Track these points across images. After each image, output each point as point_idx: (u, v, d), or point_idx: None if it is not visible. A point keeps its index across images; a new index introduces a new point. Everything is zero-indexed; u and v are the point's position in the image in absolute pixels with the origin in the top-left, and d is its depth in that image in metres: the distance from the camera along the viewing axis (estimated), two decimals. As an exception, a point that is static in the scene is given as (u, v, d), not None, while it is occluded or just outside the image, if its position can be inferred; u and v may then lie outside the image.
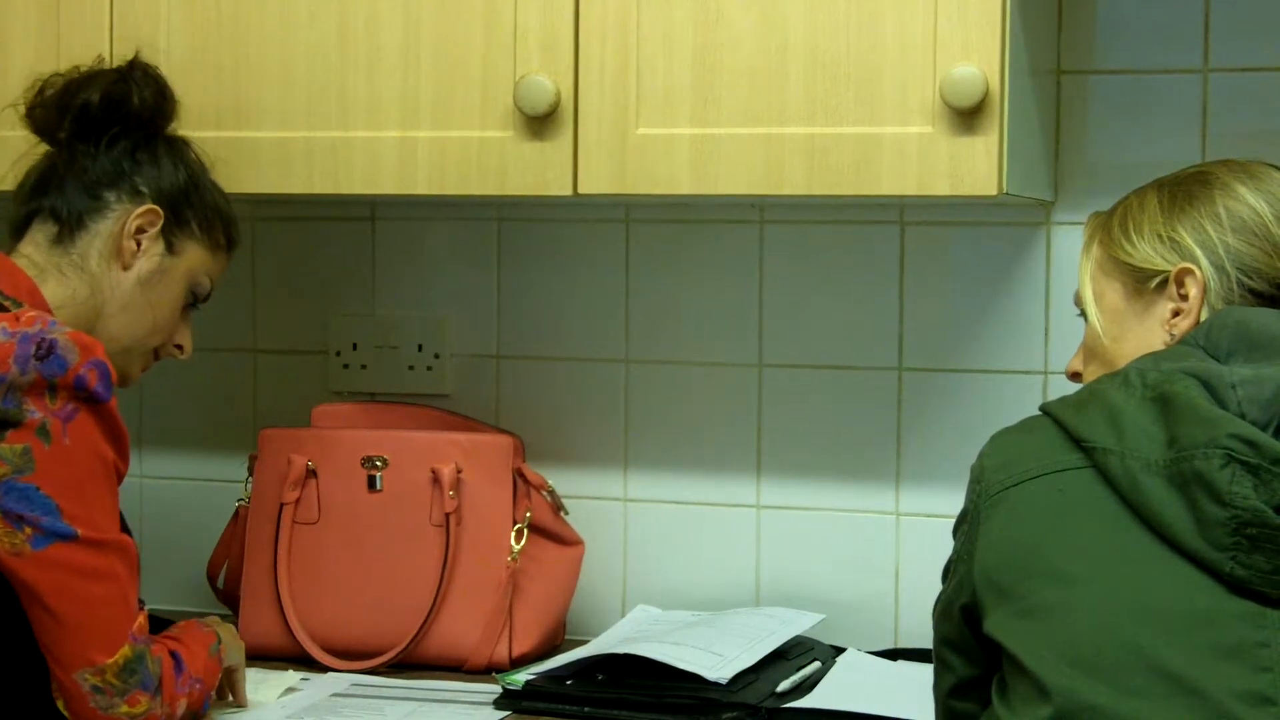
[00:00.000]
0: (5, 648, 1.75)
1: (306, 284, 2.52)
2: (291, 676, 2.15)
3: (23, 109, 2.01)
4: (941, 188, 1.91)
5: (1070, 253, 2.20)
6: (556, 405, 2.42)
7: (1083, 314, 1.76)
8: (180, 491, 2.58)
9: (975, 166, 1.90)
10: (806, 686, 2.06)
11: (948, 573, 1.64)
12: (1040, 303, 2.23)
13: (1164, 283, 1.67)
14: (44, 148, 2.01)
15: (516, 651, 2.22)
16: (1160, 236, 1.68)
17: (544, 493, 2.29)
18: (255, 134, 2.13)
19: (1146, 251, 1.68)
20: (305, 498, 2.28)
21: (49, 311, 1.87)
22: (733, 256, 2.35)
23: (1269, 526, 1.45)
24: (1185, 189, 1.70)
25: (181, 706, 1.82)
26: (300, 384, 2.51)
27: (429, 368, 2.47)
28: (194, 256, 2.00)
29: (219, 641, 1.93)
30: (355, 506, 2.27)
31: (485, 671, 2.20)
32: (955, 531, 1.64)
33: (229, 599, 2.35)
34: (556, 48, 2.03)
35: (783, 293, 2.33)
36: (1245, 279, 1.64)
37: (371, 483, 2.27)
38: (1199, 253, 1.65)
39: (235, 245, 2.07)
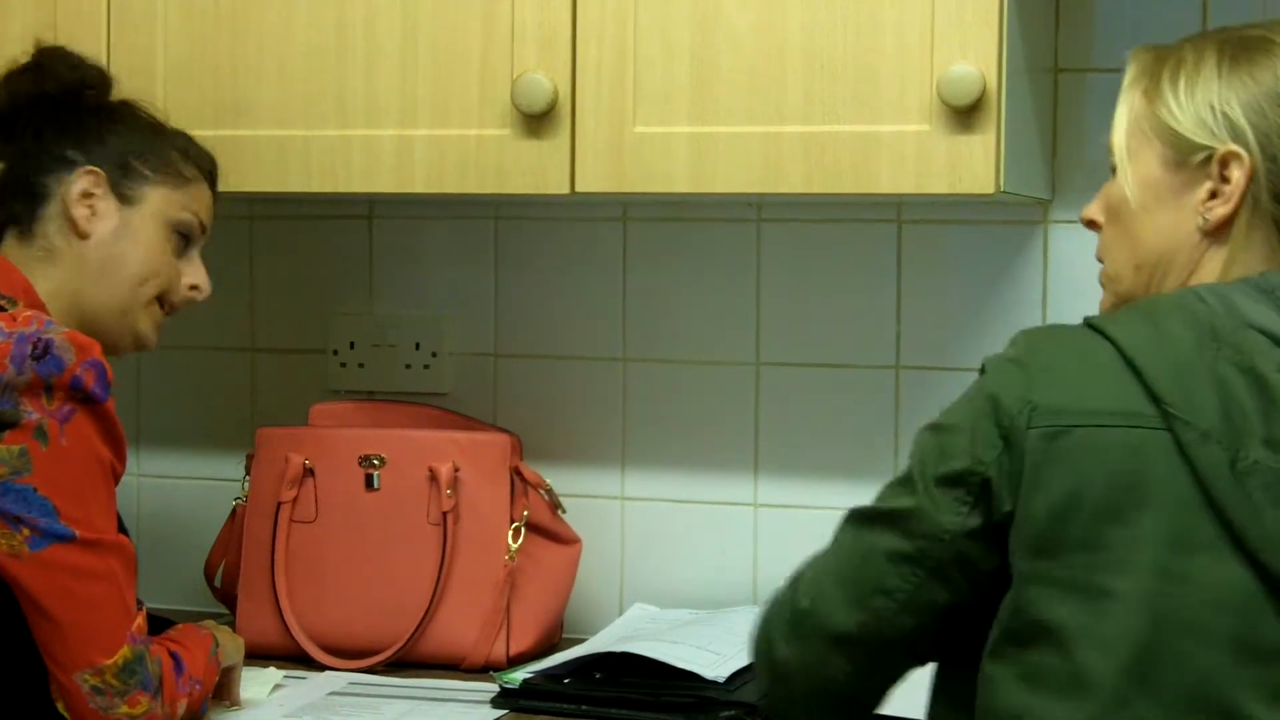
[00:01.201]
0: (4, 649, 1.75)
1: (304, 283, 2.52)
2: (275, 674, 2.15)
3: None
4: (939, 186, 1.91)
5: (1068, 252, 2.21)
6: (554, 404, 2.42)
7: (1113, 165, 1.58)
8: (178, 490, 2.58)
9: (973, 165, 1.90)
10: (804, 685, 2.06)
11: (953, 478, 1.45)
12: (1038, 301, 2.23)
13: (1208, 159, 1.50)
14: None
15: (514, 650, 2.22)
16: (1213, 107, 1.49)
17: (541, 491, 2.29)
18: (253, 132, 2.13)
19: (1194, 121, 1.50)
20: (303, 496, 2.28)
21: (43, 307, 1.87)
22: (730, 255, 2.35)
23: None
24: (1249, 55, 1.50)
25: (182, 707, 1.82)
26: (298, 383, 2.51)
27: (426, 366, 2.47)
28: (157, 199, 1.97)
29: (217, 645, 1.93)
30: (353, 505, 2.26)
31: (483, 670, 2.20)
32: (955, 429, 1.46)
33: (226, 598, 2.35)
34: (554, 46, 2.03)
35: (780, 291, 2.33)
36: None
37: (369, 481, 2.27)
38: (1251, 135, 1.48)
39: (209, 172, 2.03)
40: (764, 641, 1.56)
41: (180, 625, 1.93)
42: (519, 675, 2.08)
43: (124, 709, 1.74)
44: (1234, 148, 1.48)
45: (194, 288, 2.01)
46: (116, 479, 1.80)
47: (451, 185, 2.08)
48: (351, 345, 2.50)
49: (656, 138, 2.00)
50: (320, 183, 2.12)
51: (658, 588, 2.39)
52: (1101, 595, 1.38)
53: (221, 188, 2.06)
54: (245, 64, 2.14)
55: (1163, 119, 1.52)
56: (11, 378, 1.71)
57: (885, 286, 2.29)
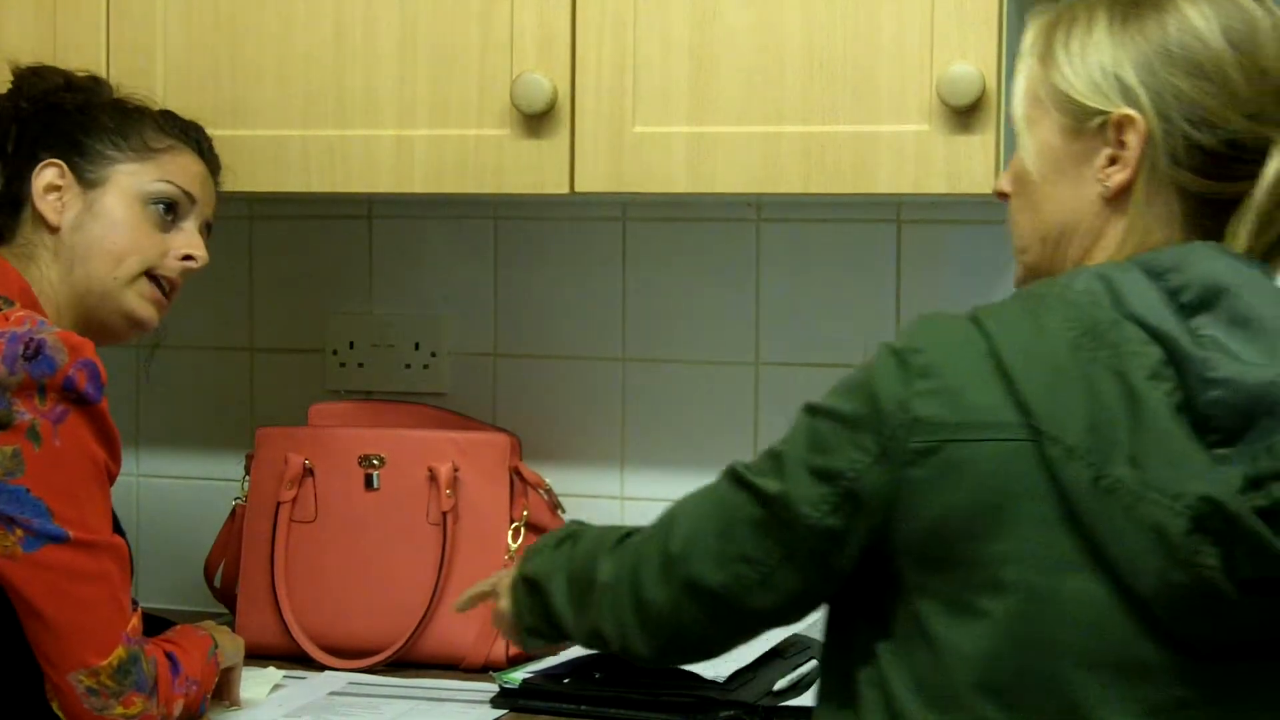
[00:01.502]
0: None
1: (303, 282, 2.52)
2: (274, 674, 2.15)
3: None
4: (938, 186, 1.91)
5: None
6: (553, 404, 2.42)
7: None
8: (177, 490, 2.58)
9: (972, 165, 1.90)
10: (803, 685, 2.06)
11: (827, 471, 1.40)
12: (1037, 301, 2.23)
13: (1104, 125, 1.43)
14: None
15: (513, 650, 2.22)
16: (1104, 69, 1.43)
17: (541, 491, 2.29)
18: (252, 132, 2.13)
19: (1088, 85, 1.44)
20: (302, 496, 2.27)
21: (39, 306, 1.87)
22: (730, 255, 2.35)
23: (1225, 600, 1.31)
24: (1138, 13, 1.43)
25: (178, 708, 1.82)
26: (297, 382, 2.51)
27: (426, 366, 2.47)
28: (124, 175, 1.95)
29: (215, 645, 1.93)
30: (352, 505, 2.26)
31: (482, 670, 2.20)
32: (834, 419, 1.41)
33: (226, 598, 2.35)
34: (553, 46, 2.03)
35: (780, 291, 2.33)
36: (1193, 131, 1.40)
37: (369, 481, 2.26)
38: (1144, 97, 1.41)
39: (193, 140, 2.01)
40: (632, 575, 1.53)
41: (178, 626, 1.93)
42: (518, 675, 2.08)
43: (119, 709, 1.74)
44: (1128, 111, 1.41)
45: (188, 258, 1.98)
46: (111, 479, 1.79)
47: (451, 185, 2.08)
48: (351, 345, 2.50)
49: (656, 137, 2.00)
50: (319, 182, 2.12)
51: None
52: (972, 613, 1.36)
53: (221, 188, 2.06)
54: (244, 64, 2.14)
55: (1057, 85, 1.46)
56: (4, 378, 1.71)
57: (885, 286, 2.29)
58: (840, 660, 1.47)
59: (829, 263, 2.31)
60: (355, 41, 2.10)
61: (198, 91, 2.12)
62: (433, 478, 2.24)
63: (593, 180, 2.03)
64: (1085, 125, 1.44)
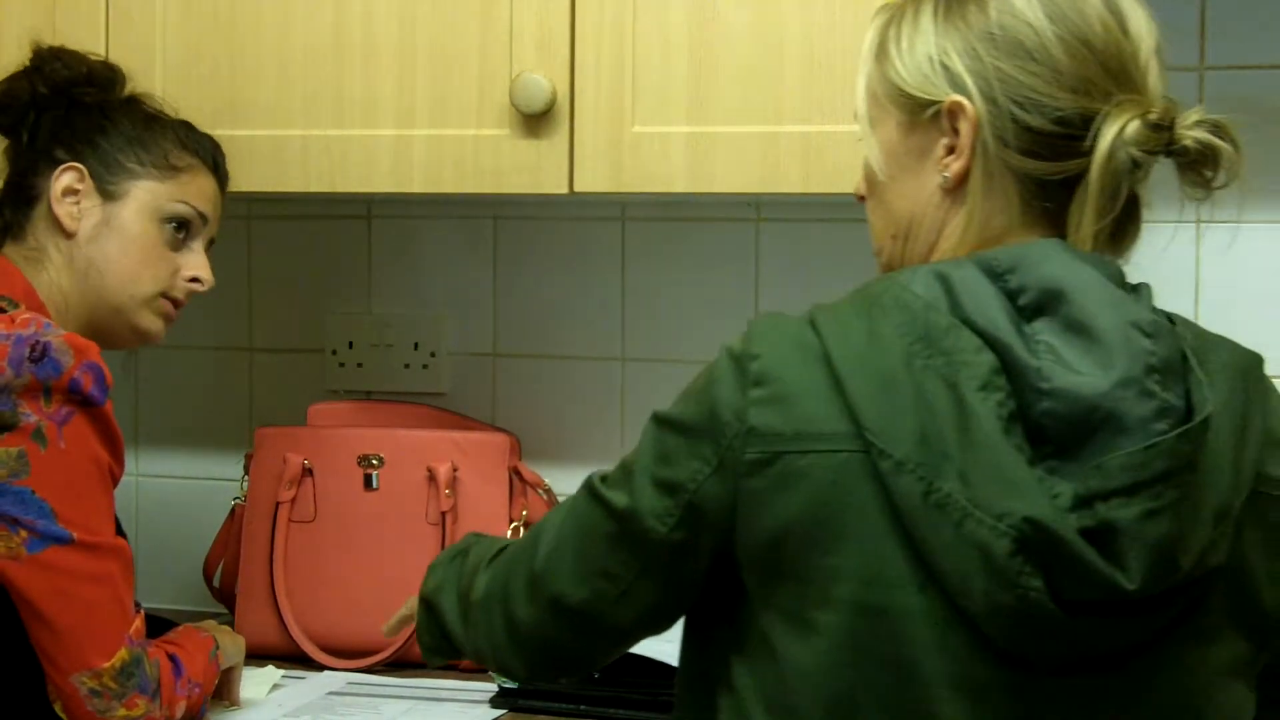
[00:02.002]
0: (1, 652, 1.75)
1: (302, 282, 2.52)
2: (274, 673, 2.15)
3: None
4: (937, 186, 1.91)
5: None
6: (553, 403, 2.42)
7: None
8: (176, 490, 2.58)
9: (971, 164, 1.89)
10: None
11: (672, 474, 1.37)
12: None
13: (937, 114, 1.40)
14: None
15: (513, 650, 2.22)
16: (931, 58, 1.40)
17: (540, 491, 2.29)
18: (251, 132, 2.13)
19: (918, 76, 1.41)
20: (301, 496, 2.28)
21: (43, 309, 1.87)
22: (729, 255, 2.35)
23: (1050, 620, 1.27)
24: (961, 0, 1.41)
25: (180, 709, 1.82)
26: (296, 382, 2.51)
27: (425, 366, 2.47)
28: (144, 191, 1.95)
29: (217, 647, 1.93)
30: (351, 505, 2.26)
31: (481, 670, 2.20)
32: (677, 429, 1.37)
33: (225, 598, 2.35)
34: (552, 46, 2.03)
35: (779, 291, 2.33)
36: (1021, 113, 1.36)
37: (368, 481, 2.27)
38: (969, 81, 1.38)
39: (210, 159, 2.01)
40: (502, 593, 1.51)
41: (180, 627, 1.93)
42: (517, 675, 2.08)
43: (121, 711, 1.74)
44: (956, 97, 1.38)
45: (194, 279, 1.98)
46: (115, 481, 1.80)
47: (450, 185, 2.08)
48: (350, 345, 2.50)
49: (655, 137, 2.00)
50: (318, 182, 2.12)
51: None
52: (810, 628, 1.33)
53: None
54: (243, 64, 2.14)
55: (891, 80, 1.43)
56: (9, 380, 1.71)
57: (884, 286, 2.29)
58: (696, 670, 1.44)
59: (828, 263, 2.31)
60: (354, 41, 2.10)
61: (197, 91, 2.11)
62: (432, 477, 2.24)
63: (592, 180, 2.03)
64: (920, 117, 1.41)
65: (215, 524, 2.38)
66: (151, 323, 1.95)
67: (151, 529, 2.55)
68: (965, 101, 1.38)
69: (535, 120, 2.02)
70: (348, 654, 2.23)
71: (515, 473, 2.27)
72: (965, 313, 1.32)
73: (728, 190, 1.99)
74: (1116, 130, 1.34)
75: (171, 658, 1.82)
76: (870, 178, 1.49)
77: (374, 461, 2.26)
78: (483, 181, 2.06)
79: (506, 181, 2.05)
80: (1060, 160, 1.37)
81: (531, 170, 2.04)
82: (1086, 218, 1.36)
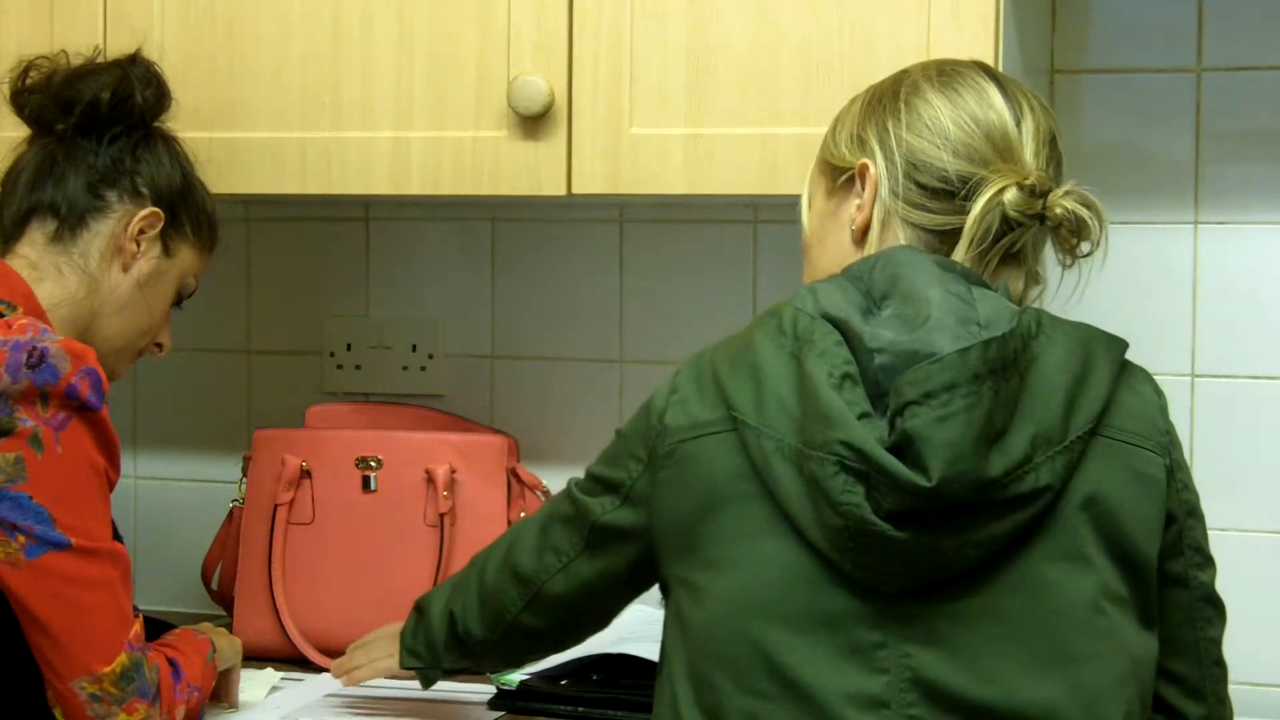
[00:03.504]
0: (1, 657, 1.75)
1: (300, 285, 2.52)
2: (272, 675, 2.15)
3: (6, 92, 1.99)
4: (935, 187, 1.91)
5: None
6: (551, 405, 2.42)
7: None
8: (174, 492, 2.58)
9: (969, 166, 1.89)
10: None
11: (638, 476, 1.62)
12: (1033, 301, 2.23)
13: (851, 179, 1.64)
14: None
15: (511, 652, 2.22)
16: (853, 136, 1.65)
17: (538, 493, 2.29)
18: (249, 134, 2.13)
19: (843, 151, 1.66)
20: (299, 498, 2.28)
21: (42, 314, 1.86)
22: (727, 256, 2.35)
23: (879, 536, 1.45)
24: (883, 89, 1.67)
25: (180, 714, 1.82)
26: (294, 385, 2.51)
27: (423, 368, 2.47)
28: (186, 258, 2.00)
29: (214, 649, 1.93)
30: (349, 507, 2.26)
31: (479, 672, 2.20)
32: (624, 438, 1.64)
33: (223, 600, 2.35)
34: (550, 47, 2.03)
35: (777, 292, 2.33)
36: (914, 171, 1.60)
37: (366, 483, 2.27)
38: (877, 147, 1.62)
39: (217, 246, 2.06)
40: (481, 562, 1.79)
41: (177, 630, 1.93)
42: (516, 677, 2.08)
43: (121, 716, 1.73)
44: (863, 160, 1.62)
45: (158, 345, 2.03)
46: (111, 486, 1.79)
47: (448, 187, 2.08)
48: (348, 347, 2.50)
49: (653, 139, 2.00)
50: (316, 184, 2.12)
51: (654, 589, 2.38)
52: (700, 591, 1.54)
53: (218, 189, 2.06)
54: (241, 66, 2.14)
55: (824, 155, 1.69)
56: (6, 386, 1.70)
57: (882, 288, 2.29)
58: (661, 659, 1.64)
59: (826, 264, 2.31)
60: (352, 43, 2.10)
61: (195, 93, 2.11)
62: (430, 479, 2.24)
63: (590, 182, 2.03)
64: (838, 181, 1.66)
65: (213, 526, 2.38)
66: (124, 370, 1.99)
67: (149, 531, 2.55)
68: (869, 163, 1.62)
69: (533, 122, 2.03)
70: (346, 656, 2.23)
71: (513, 474, 2.27)
72: (824, 308, 1.54)
73: (725, 192, 1.99)
74: (993, 191, 1.56)
75: (171, 662, 1.82)
76: (805, 246, 1.72)
77: (372, 463, 2.26)
78: (480, 183, 2.06)
79: (504, 183, 2.05)
80: (944, 215, 1.59)
81: (529, 172, 2.04)
82: (957, 252, 1.57)
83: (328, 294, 2.51)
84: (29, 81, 1.98)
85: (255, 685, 2.11)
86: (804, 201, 1.72)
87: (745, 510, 1.53)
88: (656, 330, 2.39)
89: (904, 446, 1.45)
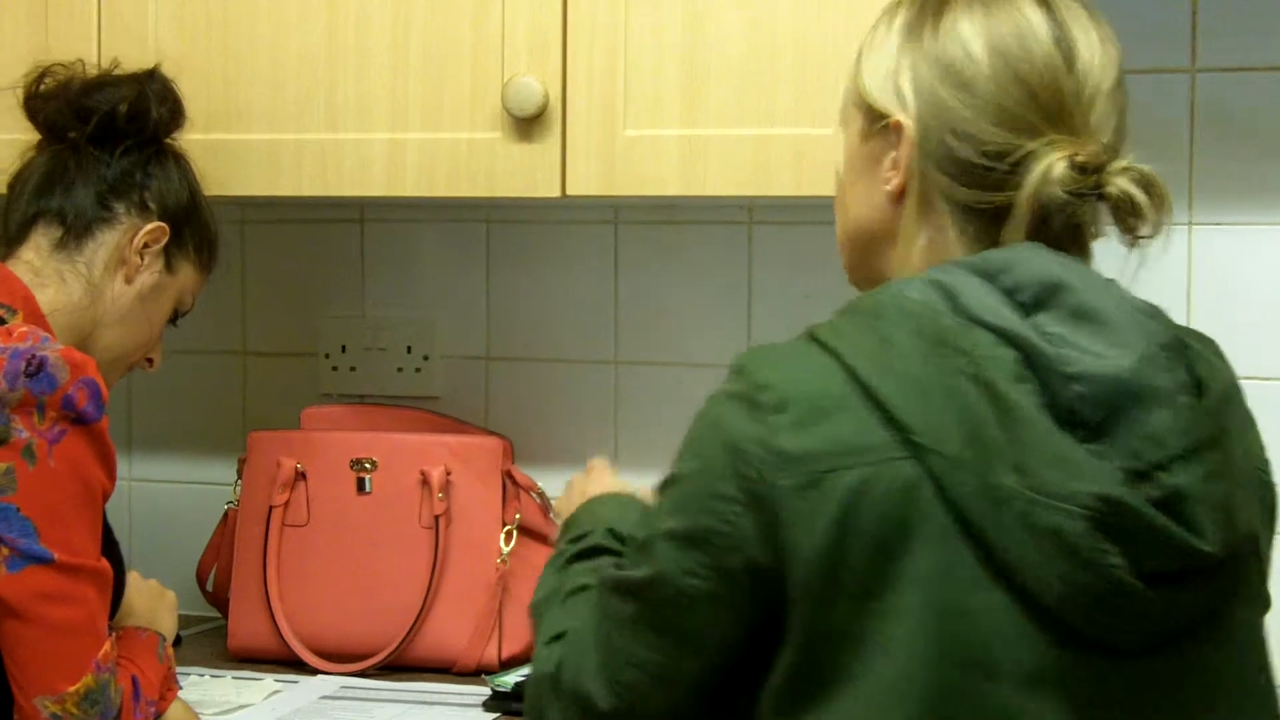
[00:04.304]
0: None
1: (295, 286, 2.52)
2: (270, 685, 2.15)
3: (20, 96, 2.00)
4: (930, 188, 1.91)
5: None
6: (546, 407, 2.42)
7: None
8: (169, 494, 2.58)
9: (963, 167, 1.90)
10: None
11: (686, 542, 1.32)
12: (1029, 303, 2.23)
13: (886, 127, 1.43)
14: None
15: (506, 653, 2.22)
16: (888, 73, 1.43)
17: (533, 494, 2.29)
18: (244, 136, 2.13)
19: (877, 88, 1.44)
20: (294, 500, 2.27)
21: (42, 318, 1.86)
22: (722, 258, 2.35)
23: (1130, 595, 1.28)
24: (922, 16, 1.43)
25: None
26: (289, 386, 2.51)
27: (418, 370, 2.47)
28: (186, 276, 2.00)
29: (163, 640, 1.91)
30: (344, 509, 2.26)
31: (475, 673, 2.20)
32: (687, 481, 1.34)
33: (218, 602, 2.35)
34: (545, 49, 2.03)
35: (772, 293, 2.34)
36: (953, 141, 1.39)
37: (361, 485, 2.26)
38: (912, 103, 1.41)
39: (215, 268, 2.06)
40: (535, 714, 1.45)
41: (122, 633, 1.87)
42: (511, 678, 2.08)
43: None
44: (898, 117, 1.42)
45: (149, 360, 2.03)
46: (105, 498, 1.78)
47: (442, 188, 2.08)
48: (343, 349, 2.50)
49: (647, 140, 2.00)
50: (311, 186, 2.12)
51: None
52: (882, 642, 1.29)
53: (213, 191, 2.06)
54: (237, 68, 2.14)
55: (859, 85, 1.47)
56: (3, 394, 1.70)
57: (876, 289, 2.29)
58: None
59: (821, 265, 2.31)
60: (347, 45, 2.10)
61: (190, 95, 2.11)
62: (425, 481, 2.24)
63: (584, 183, 2.03)
64: (874, 127, 1.44)
65: (208, 528, 2.38)
66: (115, 381, 1.97)
67: (145, 533, 2.54)
68: (906, 122, 1.41)
69: (528, 123, 2.03)
70: (341, 658, 2.23)
71: (508, 476, 2.27)
72: (973, 312, 1.32)
73: (720, 193, 2.00)
74: (1042, 170, 1.36)
75: (133, 680, 1.79)
76: (837, 176, 1.53)
77: (367, 465, 2.26)
78: (475, 185, 2.06)
79: (499, 185, 2.05)
80: (988, 191, 1.38)
81: (524, 173, 2.04)
82: (1009, 234, 1.38)
83: (323, 296, 2.51)
84: (43, 88, 1.98)
85: (254, 690, 2.11)
86: (839, 123, 1.52)
87: (945, 554, 1.29)
88: (652, 331, 2.39)
89: (1172, 504, 1.28)
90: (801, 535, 1.29)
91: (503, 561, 2.23)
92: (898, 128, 1.41)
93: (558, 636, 1.44)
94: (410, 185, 2.09)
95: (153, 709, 1.83)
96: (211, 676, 2.19)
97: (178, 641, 1.99)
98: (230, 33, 2.14)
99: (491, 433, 2.35)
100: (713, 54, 1.98)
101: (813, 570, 1.29)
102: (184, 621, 2.06)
